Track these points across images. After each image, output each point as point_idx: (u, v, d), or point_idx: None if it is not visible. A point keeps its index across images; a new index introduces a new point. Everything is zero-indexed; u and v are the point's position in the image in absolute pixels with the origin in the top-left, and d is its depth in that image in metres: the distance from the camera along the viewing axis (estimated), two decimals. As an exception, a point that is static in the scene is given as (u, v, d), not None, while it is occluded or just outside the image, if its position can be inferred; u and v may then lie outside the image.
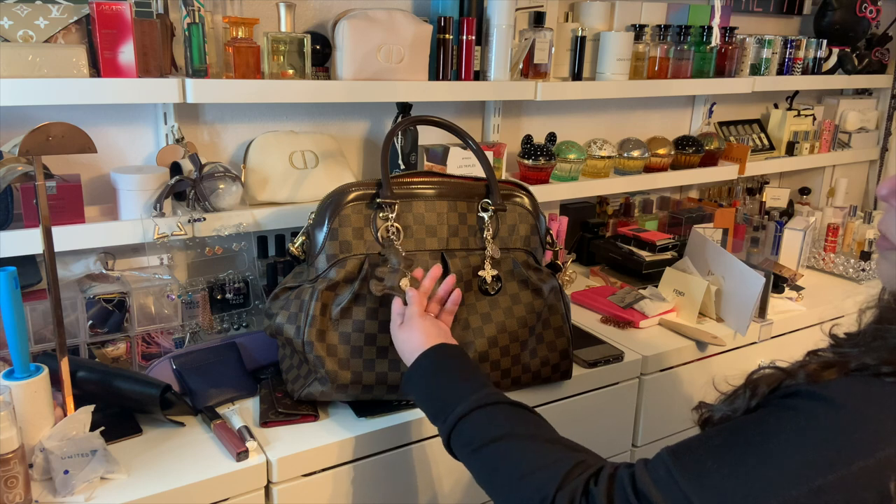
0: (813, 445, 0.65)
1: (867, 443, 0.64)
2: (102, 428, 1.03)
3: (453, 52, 1.59)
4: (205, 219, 1.33)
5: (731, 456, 0.69)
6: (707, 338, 1.53)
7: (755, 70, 2.16)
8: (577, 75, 1.83)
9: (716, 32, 1.95)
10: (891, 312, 0.76)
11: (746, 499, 0.66)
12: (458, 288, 1.13)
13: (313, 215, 1.19)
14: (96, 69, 1.24)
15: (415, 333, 1.03)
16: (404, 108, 1.59)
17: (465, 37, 1.58)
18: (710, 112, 2.26)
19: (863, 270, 1.99)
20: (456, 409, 0.90)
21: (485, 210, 1.23)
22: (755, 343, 1.62)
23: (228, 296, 1.42)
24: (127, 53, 1.23)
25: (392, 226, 1.16)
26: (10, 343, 0.99)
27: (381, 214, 1.17)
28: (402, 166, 1.60)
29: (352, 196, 1.17)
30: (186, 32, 1.31)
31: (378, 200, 1.16)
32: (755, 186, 2.33)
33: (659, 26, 1.94)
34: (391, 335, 1.10)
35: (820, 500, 0.63)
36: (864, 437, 0.64)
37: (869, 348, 0.72)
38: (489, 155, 1.58)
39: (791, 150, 2.35)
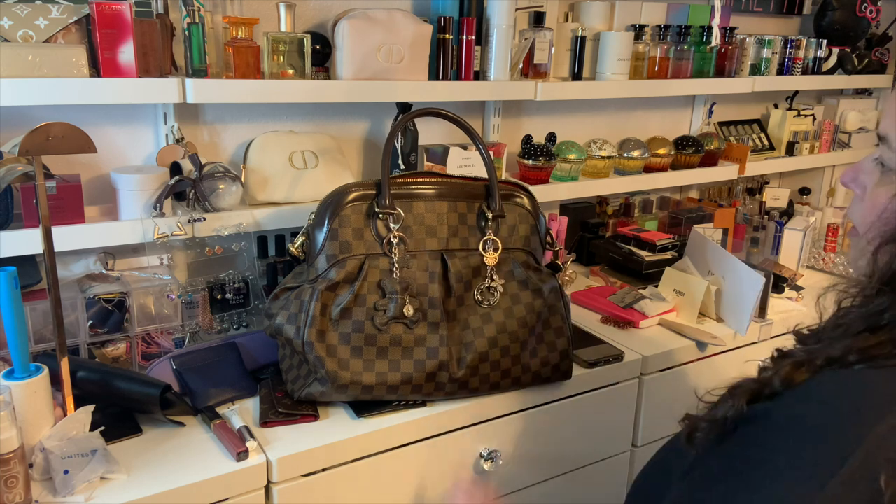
0: (801, 466, 0.61)
1: (851, 439, 0.60)
2: (102, 428, 1.03)
3: (453, 52, 1.58)
4: (205, 219, 1.33)
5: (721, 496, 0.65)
6: (707, 338, 1.53)
7: (755, 70, 2.16)
8: (577, 75, 1.82)
9: (716, 32, 1.95)
10: (847, 297, 0.75)
11: None
12: None
13: (313, 215, 1.19)
14: (96, 69, 1.24)
15: None
16: (404, 107, 1.59)
17: (465, 37, 1.58)
18: (710, 112, 2.26)
19: (863, 270, 1.99)
20: None
21: (484, 212, 1.23)
22: (755, 343, 1.62)
23: (228, 296, 1.41)
24: (127, 53, 1.23)
25: (395, 235, 1.17)
26: (10, 343, 0.99)
27: (381, 216, 1.17)
28: (402, 166, 1.60)
29: (352, 196, 1.17)
30: (186, 32, 1.31)
31: (377, 209, 1.16)
32: (755, 186, 2.33)
33: (659, 26, 1.94)
34: None
35: None
36: (845, 435, 0.61)
37: (832, 340, 0.71)
38: (489, 155, 1.58)
39: (791, 150, 2.35)
